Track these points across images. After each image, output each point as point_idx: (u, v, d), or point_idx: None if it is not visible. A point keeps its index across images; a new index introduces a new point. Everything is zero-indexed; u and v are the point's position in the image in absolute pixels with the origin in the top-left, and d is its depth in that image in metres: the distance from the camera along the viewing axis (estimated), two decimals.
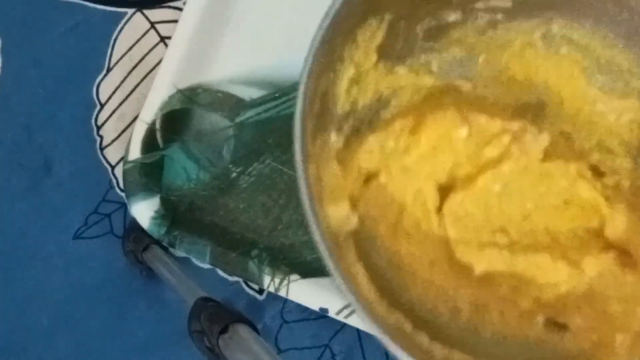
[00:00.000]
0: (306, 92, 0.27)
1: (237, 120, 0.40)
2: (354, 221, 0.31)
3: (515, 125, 0.34)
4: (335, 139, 0.31)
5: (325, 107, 0.30)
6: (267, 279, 0.38)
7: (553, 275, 0.32)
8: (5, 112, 0.43)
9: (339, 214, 0.30)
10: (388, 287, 0.31)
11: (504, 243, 0.33)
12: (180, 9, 0.41)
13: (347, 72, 0.31)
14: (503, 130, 0.34)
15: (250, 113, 0.40)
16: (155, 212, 0.39)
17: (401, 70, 0.33)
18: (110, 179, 0.42)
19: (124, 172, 0.40)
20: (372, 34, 0.31)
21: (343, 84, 0.31)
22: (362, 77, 0.32)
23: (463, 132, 0.33)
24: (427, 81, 0.34)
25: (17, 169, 0.43)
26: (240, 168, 0.40)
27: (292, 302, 0.38)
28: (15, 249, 0.43)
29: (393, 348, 0.27)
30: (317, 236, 0.26)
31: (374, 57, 0.32)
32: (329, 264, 0.26)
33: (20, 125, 0.43)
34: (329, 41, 0.28)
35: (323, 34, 0.28)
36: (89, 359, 0.42)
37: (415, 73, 0.34)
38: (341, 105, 0.31)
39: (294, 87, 0.40)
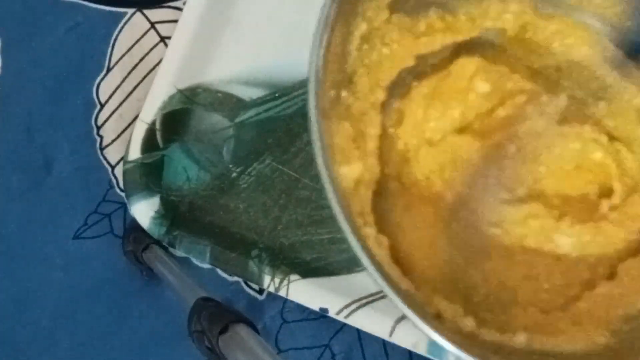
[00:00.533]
0: (320, 45, 0.27)
1: (237, 120, 0.40)
2: (368, 178, 0.31)
3: (532, 85, 0.34)
4: (346, 97, 0.31)
5: (338, 64, 0.30)
6: (267, 279, 0.38)
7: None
8: (5, 112, 0.43)
9: (352, 173, 0.30)
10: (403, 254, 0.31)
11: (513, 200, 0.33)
12: (180, 9, 0.41)
13: (360, 28, 0.31)
14: (520, 89, 0.34)
15: (250, 113, 0.40)
16: (155, 212, 0.39)
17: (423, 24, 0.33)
18: (110, 179, 0.42)
19: (124, 172, 0.40)
20: None
21: (355, 40, 0.31)
22: (373, 33, 0.31)
23: (485, 86, 0.34)
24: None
25: (17, 169, 0.43)
26: (240, 168, 0.40)
27: (292, 302, 0.38)
28: (15, 249, 0.43)
29: (401, 306, 0.27)
30: (331, 195, 0.26)
31: (385, 13, 0.31)
32: (342, 222, 0.26)
33: (20, 125, 0.43)
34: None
35: None
36: (89, 359, 0.42)
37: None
38: (352, 62, 0.31)
39: (294, 87, 0.40)
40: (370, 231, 0.30)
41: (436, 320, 0.29)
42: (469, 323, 0.29)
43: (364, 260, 0.27)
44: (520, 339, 0.30)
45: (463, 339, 0.29)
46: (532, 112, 0.34)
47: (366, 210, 0.31)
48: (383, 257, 0.30)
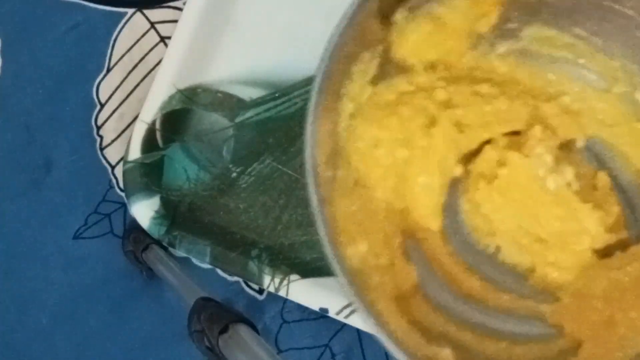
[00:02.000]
0: (313, 133, 0.28)
1: (237, 120, 0.40)
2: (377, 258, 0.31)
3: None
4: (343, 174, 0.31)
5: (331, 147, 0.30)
6: (267, 279, 0.38)
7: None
8: (5, 112, 0.43)
9: (359, 252, 0.30)
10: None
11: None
12: (180, 9, 0.41)
13: (346, 109, 0.31)
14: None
15: (250, 113, 0.40)
16: (155, 212, 0.39)
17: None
18: (110, 179, 0.42)
19: (124, 172, 0.40)
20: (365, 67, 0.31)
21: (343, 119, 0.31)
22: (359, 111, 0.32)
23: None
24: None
25: (17, 169, 0.43)
26: (240, 168, 0.40)
27: (292, 302, 0.38)
28: (15, 249, 0.43)
29: None
30: (341, 277, 0.27)
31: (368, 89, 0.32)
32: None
33: (20, 125, 0.43)
34: (332, 72, 0.28)
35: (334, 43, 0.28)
36: (89, 359, 0.42)
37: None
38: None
39: (294, 87, 0.40)
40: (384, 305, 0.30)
41: None
42: None
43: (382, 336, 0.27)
44: None
45: None
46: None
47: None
48: (397, 325, 0.30)
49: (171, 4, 0.42)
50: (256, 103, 0.40)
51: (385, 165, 0.32)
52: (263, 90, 0.40)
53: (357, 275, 0.29)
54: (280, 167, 0.40)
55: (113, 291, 0.42)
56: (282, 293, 0.38)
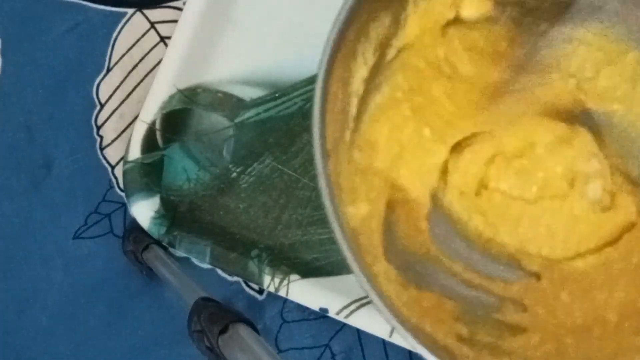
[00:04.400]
0: (323, 89, 0.27)
1: (237, 120, 0.40)
2: (375, 216, 0.31)
3: None
4: (349, 137, 0.31)
5: (340, 106, 0.30)
6: (267, 279, 0.38)
7: None
8: (5, 112, 0.43)
9: (359, 212, 0.30)
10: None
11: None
12: (180, 9, 0.41)
13: (360, 72, 0.31)
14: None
15: (250, 113, 0.40)
16: (155, 212, 0.39)
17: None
18: (110, 179, 0.42)
19: (124, 172, 0.40)
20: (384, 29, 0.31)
21: (357, 83, 0.31)
22: (373, 75, 0.31)
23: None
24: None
25: (17, 169, 0.43)
26: (240, 168, 0.40)
27: (292, 302, 0.38)
28: (15, 249, 0.43)
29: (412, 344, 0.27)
30: (338, 234, 0.27)
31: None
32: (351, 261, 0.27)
33: (20, 125, 0.43)
34: (344, 38, 0.28)
35: (338, 30, 0.27)
36: (89, 359, 0.42)
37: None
38: (355, 104, 0.31)
39: (294, 87, 0.40)
40: (380, 267, 0.30)
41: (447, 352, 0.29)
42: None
43: (377, 302, 0.27)
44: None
45: None
46: None
47: (375, 244, 0.31)
48: (392, 292, 0.30)
49: (171, 4, 0.42)
50: (256, 103, 0.40)
51: (394, 125, 0.32)
52: (263, 90, 0.40)
53: (355, 236, 0.29)
54: (280, 167, 0.40)
55: (113, 291, 0.42)
56: (282, 293, 0.38)
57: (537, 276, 0.32)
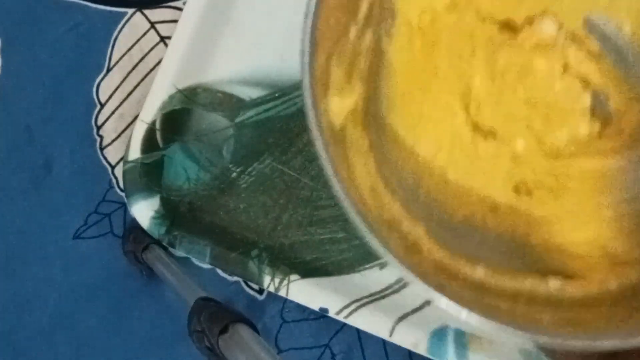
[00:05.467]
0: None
1: (237, 120, 0.40)
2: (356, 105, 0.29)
3: None
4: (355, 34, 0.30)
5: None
6: (267, 279, 0.38)
7: None
8: (5, 112, 0.43)
9: (343, 104, 0.29)
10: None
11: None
12: (180, 9, 0.41)
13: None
14: None
15: (250, 113, 0.40)
16: (155, 212, 0.39)
17: None
18: (110, 179, 0.42)
19: (124, 172, 0.40)
20: None
21: None
22: None
23: None
24: None
25: (17, 169, 0.43)
26: (240, 168, 0.40)
27: (292, 302, 0.38)
28: (15, 249, 0.43)
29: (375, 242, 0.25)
30: (315, 131, 0.25)
31: None
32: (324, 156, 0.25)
33: (20, 125, 0.43)
34: None
35: None
36: (89, 359, 0.42)
37: None
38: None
39: (294, 87, 0.40)
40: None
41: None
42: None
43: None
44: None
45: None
46: None
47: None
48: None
49: (171, 4, 0.42)
50: (256, 103, 0.40)
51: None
52: (263, 90, 0.40)
53: (339, 135, 0.28)
54: (280, 167, 0.40)
55: (113, 291, 0.42)
56: (282, 293, 0.38)
57: None
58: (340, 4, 0.28)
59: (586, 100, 0.30)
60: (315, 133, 0.25)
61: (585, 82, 0.30)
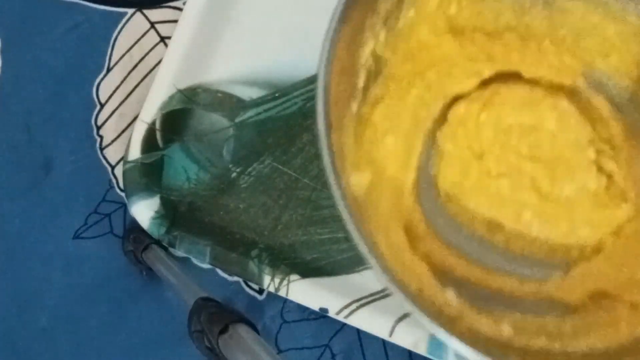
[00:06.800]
0: (327, 68, 0.27)
1: (237, 120, 0.40)
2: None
3: None
4: (355, 109, 0.31)
5: (345, 80, 0.30)
6: (267, 279, 0.38)
7: None
8: (5, 112, 0.43)
9: (362, 180, 0.30)
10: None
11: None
12: (180, 9, 0.41)
13: (368, 45, 0.31)
14: None
15: (250, 113, 0.40)
16: (155, 212, 0.39)
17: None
18: (110, 179, 0.42)
19: (124, 172, 0.40)
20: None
21: (364, 55, 0.31)
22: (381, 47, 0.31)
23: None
24: None
25: (17, 169, 0.43)
26: (240, 168, 0.40)
27: (292, 302, 0.38)
28: (15, 249, 0.43)
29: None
30: (341, 205, 0.26)
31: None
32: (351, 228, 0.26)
33: (20, 125, 0.43)
34: (348, 16, 0.28)
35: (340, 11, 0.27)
36: (89, 359, 0.42)
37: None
38: (362, 77, 0.31)
39: (294, 87, 0.40)
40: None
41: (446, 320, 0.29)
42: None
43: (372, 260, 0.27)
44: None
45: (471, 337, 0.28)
46: None
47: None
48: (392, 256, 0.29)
49: (171, 4, 0.43)
50: (256, 103, 0.40)
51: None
52: (263, 90, 0.40)
53: (359, 204, 0.29)
54: (280, 167, 0.40)
55: (113, 291, 0.42)
56: (282, 293, 0.38)
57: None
58: (345, 89, 0.29)
59: None
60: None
61: None
